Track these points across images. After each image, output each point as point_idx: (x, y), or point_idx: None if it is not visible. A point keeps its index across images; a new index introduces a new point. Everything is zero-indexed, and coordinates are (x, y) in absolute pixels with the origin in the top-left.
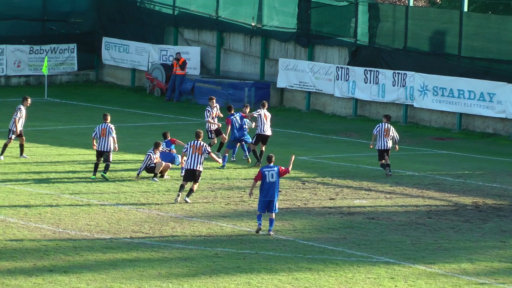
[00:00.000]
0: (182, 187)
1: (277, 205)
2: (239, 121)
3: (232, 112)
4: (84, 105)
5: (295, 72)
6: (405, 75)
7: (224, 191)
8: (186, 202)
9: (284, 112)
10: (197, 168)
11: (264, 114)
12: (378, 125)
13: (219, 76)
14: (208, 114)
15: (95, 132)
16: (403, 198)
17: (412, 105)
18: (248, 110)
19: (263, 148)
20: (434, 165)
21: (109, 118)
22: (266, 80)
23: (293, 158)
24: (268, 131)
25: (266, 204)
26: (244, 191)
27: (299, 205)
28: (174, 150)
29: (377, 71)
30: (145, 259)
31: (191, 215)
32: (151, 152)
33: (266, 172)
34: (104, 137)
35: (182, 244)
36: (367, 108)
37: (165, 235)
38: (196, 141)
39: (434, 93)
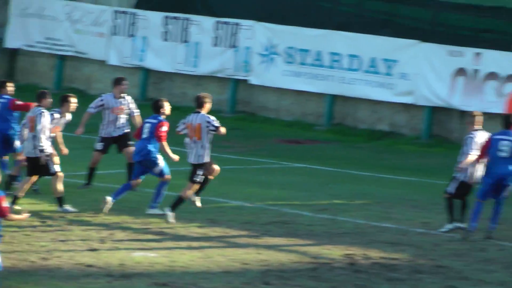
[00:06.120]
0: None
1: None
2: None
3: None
4: None
5: (39, 21)
6: (236, 28)
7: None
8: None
9: (22, 92)
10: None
11: None
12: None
13: None
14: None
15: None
16: (219, 248)
17: (246, 80)
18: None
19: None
20: (281, 189)
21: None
22: None
23: None
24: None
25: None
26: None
27: None
28: None
29: (187, 19)
30: None
31: None
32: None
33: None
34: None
35: None
36: (166, 87)
37: None
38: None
39: (288, 59)
